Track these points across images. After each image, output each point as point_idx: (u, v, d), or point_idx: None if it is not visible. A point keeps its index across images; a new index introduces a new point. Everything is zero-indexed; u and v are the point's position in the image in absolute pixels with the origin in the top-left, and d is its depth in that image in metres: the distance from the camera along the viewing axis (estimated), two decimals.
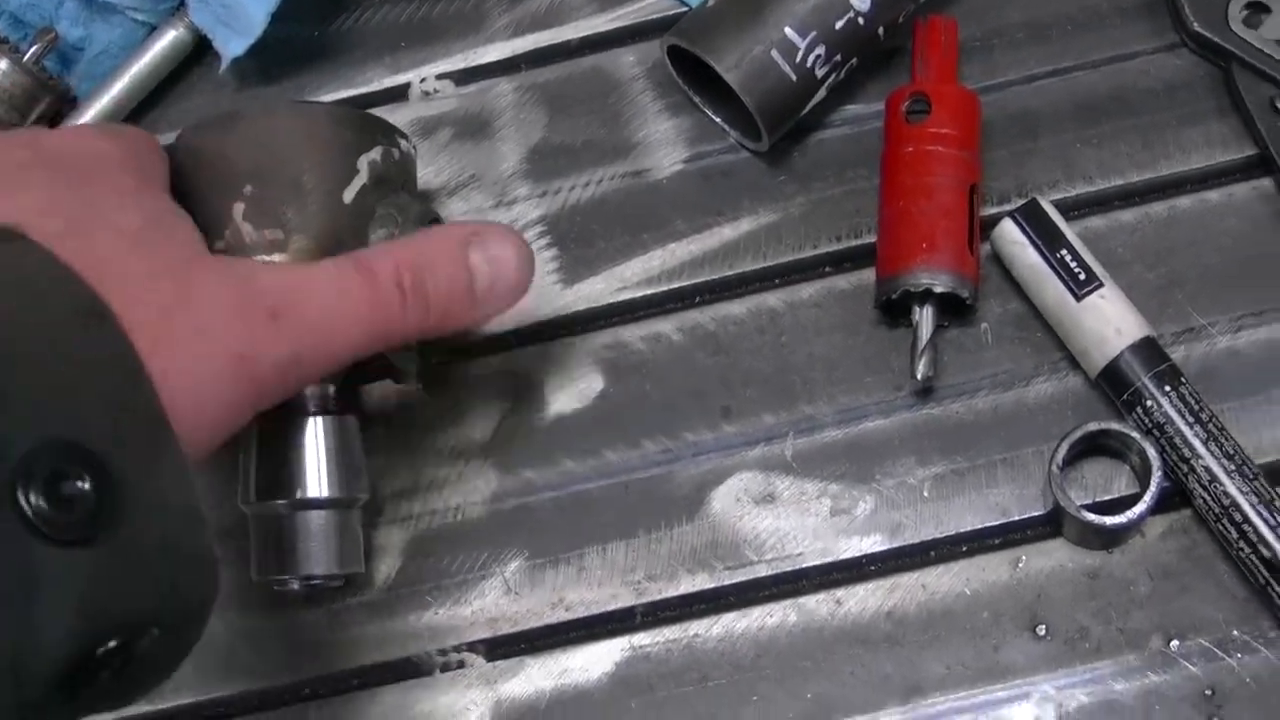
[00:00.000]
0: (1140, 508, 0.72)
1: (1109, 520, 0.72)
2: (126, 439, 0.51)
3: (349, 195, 0.72)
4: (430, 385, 0.80)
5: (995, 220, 0.78)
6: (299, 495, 0.72)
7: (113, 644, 0.50)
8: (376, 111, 0.80)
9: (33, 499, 0.47)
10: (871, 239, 0.80)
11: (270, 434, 0.72)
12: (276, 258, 0.70)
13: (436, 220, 0.75)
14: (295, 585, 0.74)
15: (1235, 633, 0.73)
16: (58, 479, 0.48)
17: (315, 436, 0.72)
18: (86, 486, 0.49)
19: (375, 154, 0.73)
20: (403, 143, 0.75)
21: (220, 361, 0.59)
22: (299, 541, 0.72)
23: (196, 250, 0.63)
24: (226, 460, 0.73)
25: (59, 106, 0.86)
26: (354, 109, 0.77)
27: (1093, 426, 0.73)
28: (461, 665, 0.77)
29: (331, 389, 0.73)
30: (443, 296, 0.67)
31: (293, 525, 0.72)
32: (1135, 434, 0.73)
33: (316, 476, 0.72)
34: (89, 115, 0.85)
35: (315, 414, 0.72)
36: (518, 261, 0.70)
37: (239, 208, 0.70)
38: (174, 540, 0.53)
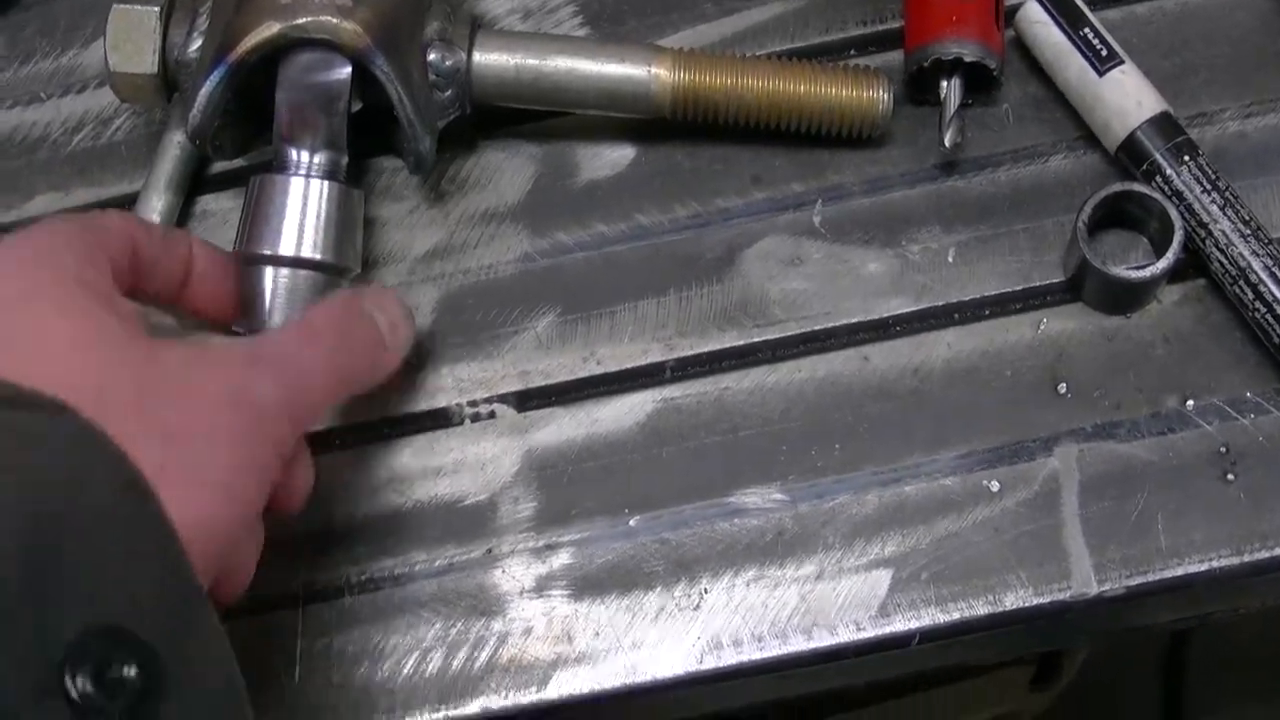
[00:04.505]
0: (1163, 263, 0.75)
1: (1134, 274, 0.75)
2: (169, 620, 0.51)
3: None
4: (460, 150, 0.82)
5: (1016, 10, 0.80)
6: (289, 252, 0.72)
7: None
8: None
9: (80, 684, 0.47)
10: (895, 24, 0.82)
11: (269, 190, 0.73)
12: (343, 24, 0.71)
13: (476, 24, 0.76)
14: None
15: (1248, 394, 0.75)
16: (105, 665, 0.48)
17: (318, 198, 0.73)
18: (133, 673, 0.49)
19: None
20: None
21: (220, 400, 0.60)
22: (281, 301, 0.73)
23: (141, 332, 0.63)
24: None
25: None
26: None
27: (1118, 187, 0.76)
28: (492, 415, 0.77)
29: (344, 160, 0.74)
30: (365, 347, 0.70)
31: (278, 284, 0.73)
32: (1158, 195, 0.75)
33: (311, 236, 0.73)
34: None
35: (321, 178, 0.73)
36: (406, 315, 0.73)
37: None
38: (215, 716, 0.53)
